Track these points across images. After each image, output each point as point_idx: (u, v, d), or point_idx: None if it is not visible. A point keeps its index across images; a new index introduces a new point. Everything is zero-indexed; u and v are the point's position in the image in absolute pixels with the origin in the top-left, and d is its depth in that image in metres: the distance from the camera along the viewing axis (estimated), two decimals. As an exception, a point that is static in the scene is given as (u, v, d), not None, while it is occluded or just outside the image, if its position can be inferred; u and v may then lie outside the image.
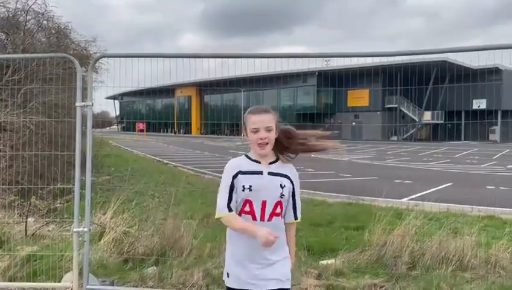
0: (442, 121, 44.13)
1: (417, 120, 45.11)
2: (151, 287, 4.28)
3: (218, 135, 43.37)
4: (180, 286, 4.27)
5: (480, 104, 39.08)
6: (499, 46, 3.75)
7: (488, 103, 38.71)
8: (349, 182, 13.38)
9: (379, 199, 9.17)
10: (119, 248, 4.92)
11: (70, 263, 4.16)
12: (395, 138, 44.52)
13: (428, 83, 35.99)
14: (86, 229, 4.01)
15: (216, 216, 2.37)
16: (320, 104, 48.02)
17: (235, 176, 2.33)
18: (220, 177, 2.49)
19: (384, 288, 4.24)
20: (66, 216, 5.85)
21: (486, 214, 7.73)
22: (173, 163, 18.72)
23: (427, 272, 4.43)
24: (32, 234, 5.51)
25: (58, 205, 6.48)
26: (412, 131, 46.07)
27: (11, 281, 4.26)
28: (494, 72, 33.63)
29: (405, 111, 47.15)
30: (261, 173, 2.33)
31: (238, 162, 2.39)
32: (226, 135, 41.86)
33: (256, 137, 2.31)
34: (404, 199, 9.68)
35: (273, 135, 2.33)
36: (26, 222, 5.60)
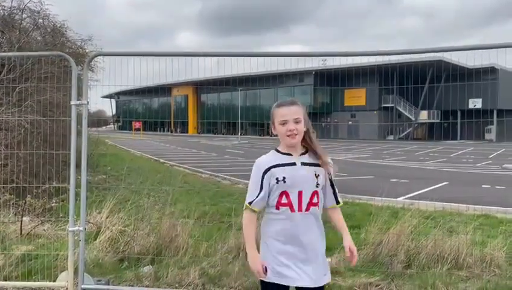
0: (438, 120, 44.24)
1: (413, 119, 45.24)
2: (146, 286, 4.27)
3: (214, 134, 43.36)
4: (176, 285, 4.26)
5: (476, 103, 39.22)
6: (494, 46, 3.76)
7: (484, 102, 38.82)
8: (346, 181, 13.39)
9: (375, 198, 9.20)
10: (114, 247, 4.91)
11: (66, 263, 4.14)
12: (391, 137, 44.65)
13: (425, 82, 36.09)
14: (81, 229, 4.00)
15: (244, 207, 2.40)
16: (317, 104, 48.10)
17: (266, 171, 2.34)
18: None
19: (380, 287, 4.25)
20: (61, 215, 5.83)
21: (482, 213, 7.76)
22: (170, 162, 18.68)
23: (422, 271, 4.44)
24: (28, 233, 5.49)
25: (53, 204, 6.46)
26: (409, 130, 46.20)
27: (6, 280, 4.24)
28: (490, 71, 33.75)
29: (401, 110, 47.27)
30: (294, 164, 2.34)
31: (268, 158, 2.39)
32: (223, 134, 41.86)
33: (285, 129, 2.31)
34: (401, 198, 9.70)
35: (301, 127, 2.33)
36: (21, 221, 5.57)
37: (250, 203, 2.36)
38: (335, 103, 48.28)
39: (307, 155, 2.39)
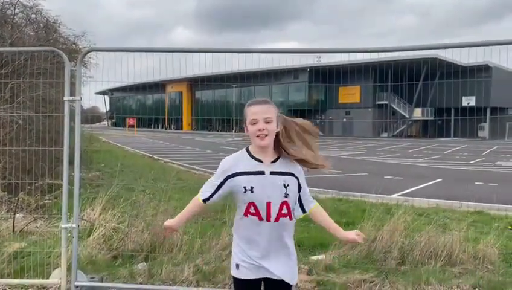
0: (432, 118, 44.51)
1: (407, 117, 45.42)
2: (140, 283, 4.26)
3: (209, 131, 43.28)
4: (170, 282, 4.26)
5: (469, 101, 39.43)
6: (488, 43, 3.77)
7: (477, 99, 39.08)
8: (340, 178, 13.42)
9: (369, 194, 9.24)
10: (108, 244, 4.89)
11: (59, 260, 4.12)
12: (385, 134, 44.80)
13: (419, 79, 36.24)
14: (74, 225, 3.98)
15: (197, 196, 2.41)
16: (311, 101, 48.13)
17: (230, 176, 2.26)
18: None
19: (373, 283, 4.26)
20: (54, 212, 5.79)
21: (475, 210, 7.81)
22: (164, 159, 18.63)
23: (416, 267, 4.46)
24: (20, 230, 5.45)
25: (46, 201, 6.42)
26: (403, 127, 46.37)
27: (-2, 277, 4.21)
28: (484, 69, 33.94)
29: (395, 108, 47.43)
30: (262, 173, 2.23)
31: (236, 160, 2.29)
32: (218, 131, 41.80)
33: (255, 129, 2.21)
34: (394, 195, 9.74)
35: (272, 127, 2.22)
36: (14, 218, 5.53)
37: (203, 200, 2.36)
38: (329, 100, 48.32)
39: (278, 162, 2.29)
